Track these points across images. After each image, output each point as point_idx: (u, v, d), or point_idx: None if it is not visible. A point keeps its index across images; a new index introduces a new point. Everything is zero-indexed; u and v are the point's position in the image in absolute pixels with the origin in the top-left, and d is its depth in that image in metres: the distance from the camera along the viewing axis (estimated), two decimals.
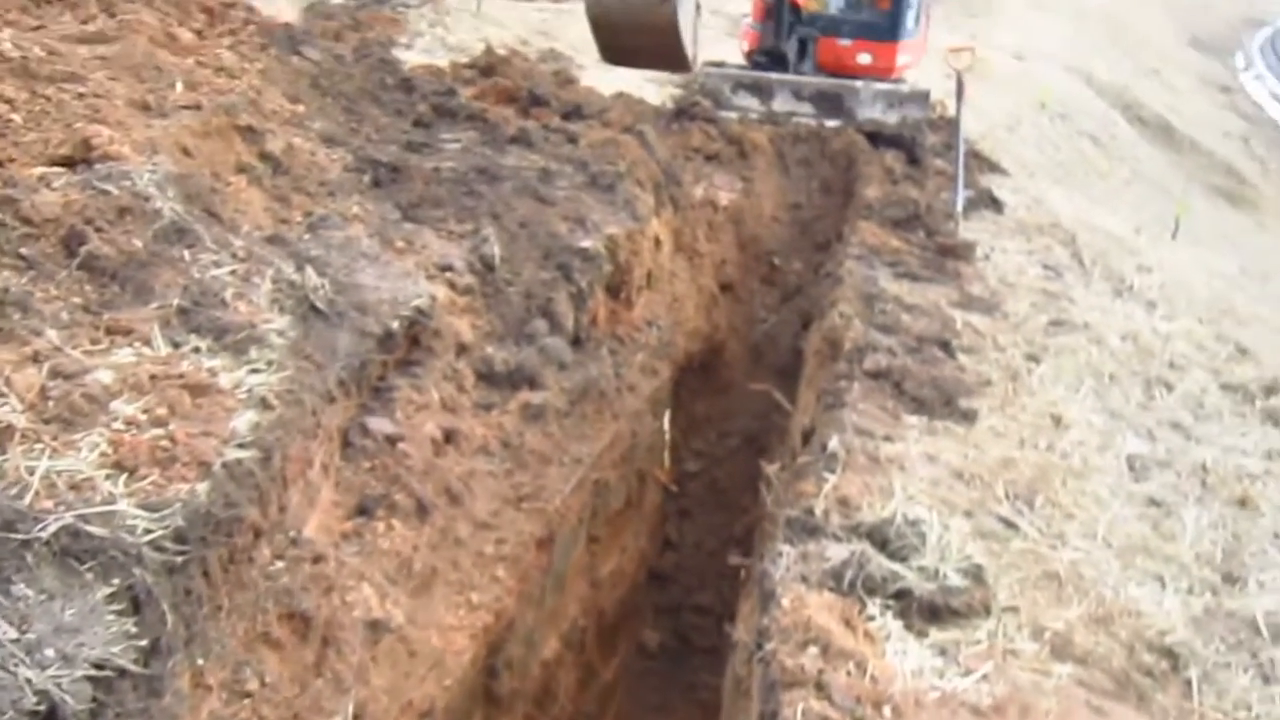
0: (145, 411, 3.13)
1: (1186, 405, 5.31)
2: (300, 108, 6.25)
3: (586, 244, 6.20)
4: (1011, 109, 18.57)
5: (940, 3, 43.93)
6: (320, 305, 4.17)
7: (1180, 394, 5.41)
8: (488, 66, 8.64)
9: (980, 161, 11.08)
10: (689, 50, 6.30)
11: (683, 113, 9.31)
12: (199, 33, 6.61)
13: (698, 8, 6.37)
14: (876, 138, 9.55)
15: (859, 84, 9.99)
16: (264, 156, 5.22)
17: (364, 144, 6.25)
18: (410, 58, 8.97)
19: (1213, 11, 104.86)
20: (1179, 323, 6.89)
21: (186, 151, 4.72)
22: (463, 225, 5.80)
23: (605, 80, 9.76)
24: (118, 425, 3.03)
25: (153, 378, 3.31)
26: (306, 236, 4.71)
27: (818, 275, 7.71)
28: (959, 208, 7.40)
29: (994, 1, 44.86)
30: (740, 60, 11.11)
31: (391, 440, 4.45)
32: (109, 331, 3.49)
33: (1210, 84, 56.01)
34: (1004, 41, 32.35)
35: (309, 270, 4.19)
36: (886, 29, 10.57)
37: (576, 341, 5.99)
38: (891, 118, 9.82)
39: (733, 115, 9.58)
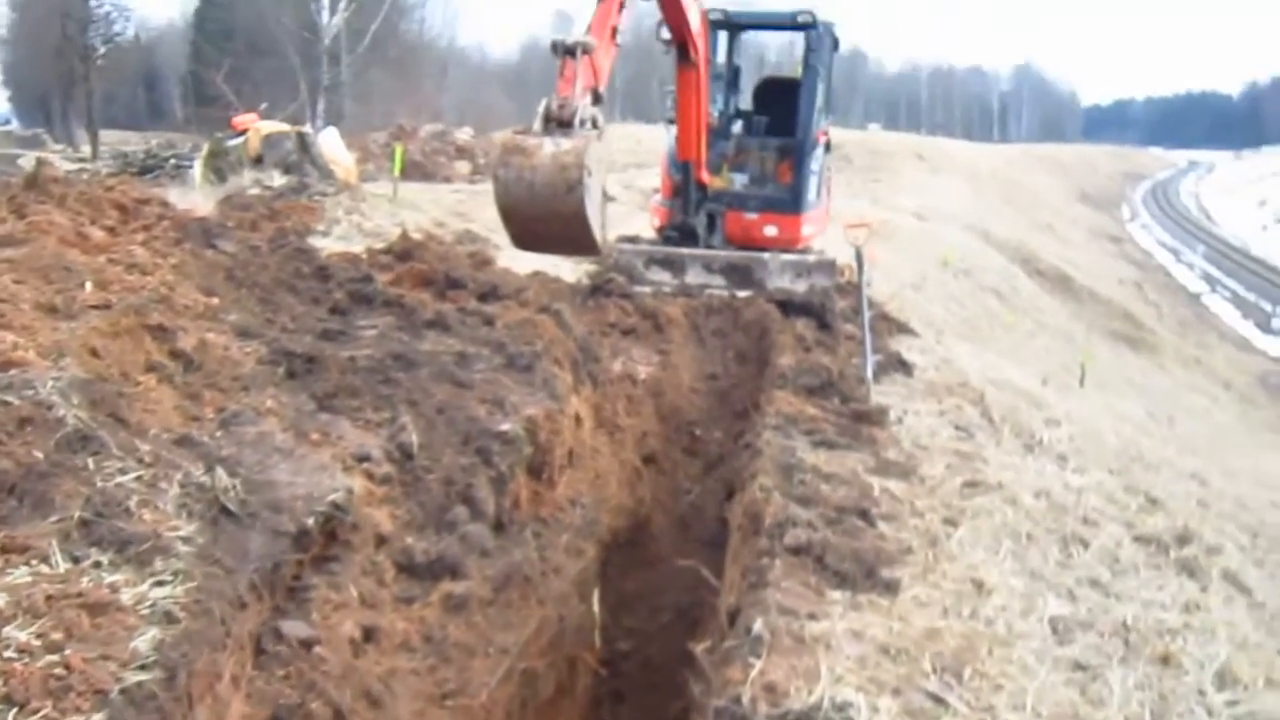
0: (40, 636, 3.00)
1: (1103, 561, 5.39)
2: (214, 301, 6.26)
3: (506, 426, 6.19)
4: (917, 268, 19.39)
5: (845, 170, 46.46)
6: (231, 507, 4.08)
7: (1096, 549, 5.50)
8: (404, 251, 8.78)
9: (889, 323, 11.46)
10: (597, 235, 6.49)
11: (598, 289, 9.53)
12: (111, 230, 6.65)
13: (604, 192, 6.58)
14: (788, 306, 9.86)
15: (767, 255, 10.37)
16: (175, 354, 5.18)
17: (279, 335, 6.24)
18: (327, 245, 9.10)
19: (1098, 169, 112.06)
20: (1090, 475, 7.06)
21: (94, 353, 4.67)
22: (380, 414, 5.76)
23: (522, 260, 9.97)
24: (9, 654, 2.89)
25: (49, 598, 3.18)
26: (218, 434, 4.64)
27: (738, 444, 7.78)
28: (869, 373, 7.61)
29: (895, 166, 47.50)
30: (653, 235, 11.48)
31: (307, 644, 4.28)
32: (4, 550, 3.36)
33: (1101, 235, 59.30)
34: (906, 204, 34.10)
35: (219, 471, 4.12)
36: (790, 202, 11.06)
37: (499, 527, 5.91)
38: (800, 286, 10.17)
39: (647, 290, 9.83)
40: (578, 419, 7.37)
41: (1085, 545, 5.52)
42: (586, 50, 6.55)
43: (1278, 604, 5.91)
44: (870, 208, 28.53)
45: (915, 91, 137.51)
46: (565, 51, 6.53)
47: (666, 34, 9.54)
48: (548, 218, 6.28)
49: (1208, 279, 49.89)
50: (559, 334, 7.65)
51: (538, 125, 6.38)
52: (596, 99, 6.73)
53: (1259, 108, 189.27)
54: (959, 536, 5.27)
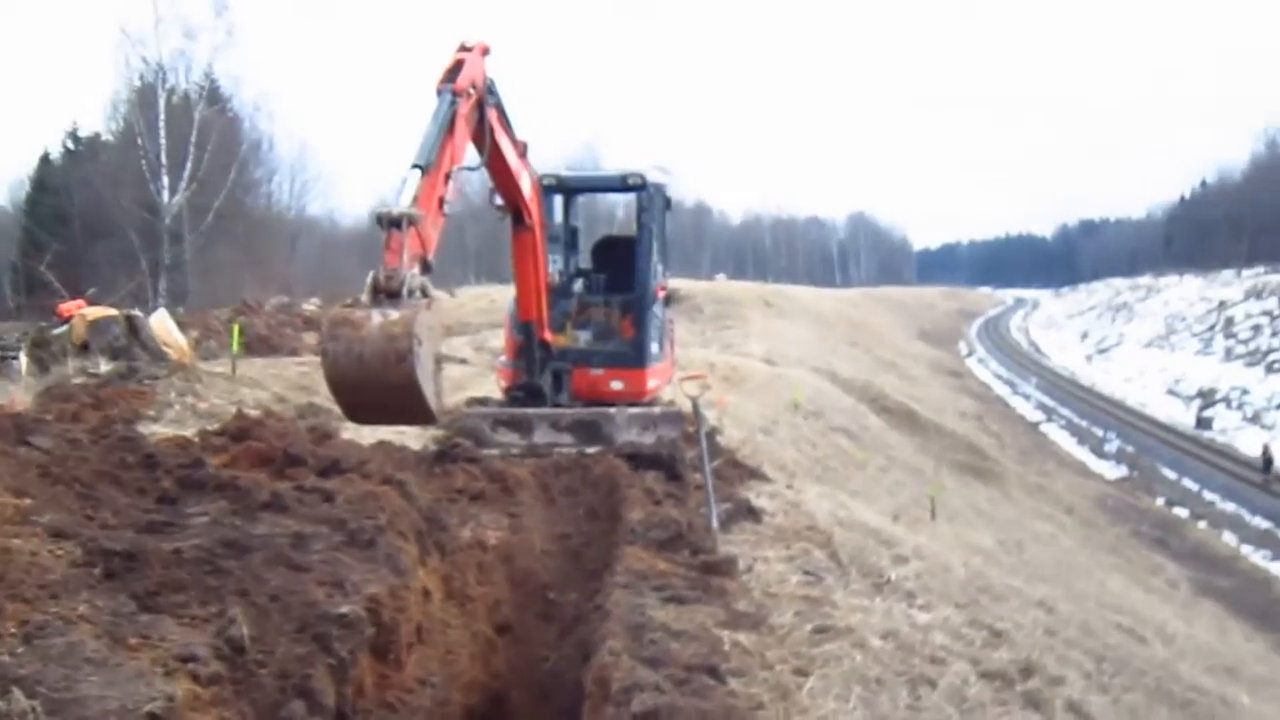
0: None
1: (951, 700, 5.44)
2: (26, 501, 5.91)
3: (346, 609, 5.94)
4: (768, 412, 19.81)
5: (697, 319, 47.41)
6: None
7: (944, 689, 5.55)
8: (239, 431, 8.53)
9: (740, 469, 11.63)
10: (432, 403, 6.43)
11: (444, 455, 9.41)
12: None
13: (437, 360, 6.57)
14: (637, 459, 9.91)
15: (613, 410, 10.47)
16: None
17: (98, 533, 5.90)
18: (157, 430, 8.75)
19: (934, 308, 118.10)
20: (937, 612, 7.19)
21: None
22: (207, 608, 5.46)
23: (366, 431, 9.81)
24: None
25: None
26: (19, 651, 4.30)
27: (593, 605, 7.65)
28: (715, 524, 7.66)
29: (744, 313, 49.06)
30: (501, 397, 11.47)
31: None
32: None
33: (942, 370, 62.09)
34: (755, 349, 35.11)
35: (16, 693, 3.80)
36: (634, 356, 11.25)
37: (341, 718, 5.61)
38: (648, 439, 10.26)
39: (495, 452, 9.76)
40: (425, 592, 7.14)
41: (933, 686, 5.57)
42: (412, 221, 6.63)
43: None
44: (721, 355, 29.28)
45: (759, 240, 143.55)
46: (390, 224, 6.59)
47: (500, 200, 9.77)
48: (379, 389, 6.21)
49: (1043, 408, 52.63)
50: (403, 505, 7.47)
51: (365, 297, 6.38)
52: (425, 268, 6.79)
53: (1071, 248, 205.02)
54: (809, 687, 5.25)
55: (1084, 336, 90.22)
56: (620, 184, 12.26)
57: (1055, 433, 46.20)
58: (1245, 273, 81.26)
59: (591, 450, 10.01)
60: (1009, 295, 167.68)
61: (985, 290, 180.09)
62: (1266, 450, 35.94)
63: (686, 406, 11.47)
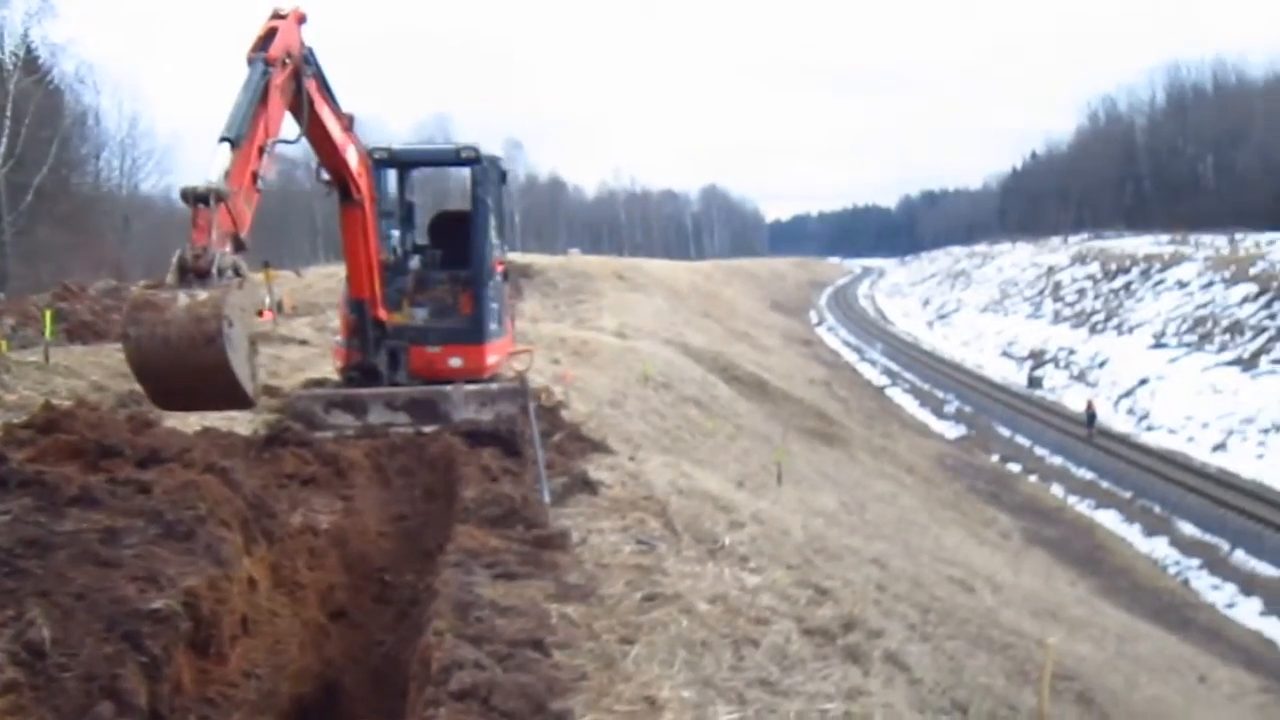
0: None
1: (773, 659, 5.59)
2: None
3: (159, 604, 5.71)
4: (617, 385, 19.91)
5: (550, 294, 47.17)
6: None
7: (767, 648, 5.70)
8: (46, 423, 8.05)
9: (583, 443, 11.65)
10: (247, 386, 6.20)
11: (274, 439, 9.12)
12: None
13: (252, 341, 6.33)
14: (476, 436, 9.80)
15: (450, 387, 10.33)
16: None
17: None
18: None
19: (786, 278, 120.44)
20: (767, 574, 7.37)
21: None
22: (3, 612, 5.16)
23: (194, 418, 9.41)
24: None
25: None
26: None
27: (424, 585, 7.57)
28: (546, 498, 7.67)
29: (597, 287, 49.13)
30: (338, 378, 11.19)
31: None
32: None
33: (794, 339, 63.60)
34: (608, 323, 35.25)
35: None
36: (472, 333, 11.13)
37: (155, 717, 5.39)
38: (486, 415, 10.17)
39: (329, 435, 9.51)
40: (251, 582, 6.91)
41: (756, 645, 5.71)
42: (221, 197, 6.36)
43: (935, 677, 6.33)
44: (574, 330, 29.28)
45: (614, 215, 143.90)
46: (197, 199, 6.31)
47: (326, 174, 9.49)
48: (189, 373, 5.95)
49: (889, 373, 54.59)
50: (225, 493, 7.20)
51: (171, 277, 6.10)
52: (239, 246, 6.53)
53: (913, 219, 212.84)
54: (635, 654, 5.31)
55: (926, 303, 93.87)
56: (454, 158, 12.07)
57: (900, 396, 48.00)
58: (1071, 239, 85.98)
59: (428, 429, 9.86)
60: (857, 265, 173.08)
61: (834, 260, 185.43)
62: (1090, 406, 38.25)
63: (538, 380, 11.46)
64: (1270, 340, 39.77)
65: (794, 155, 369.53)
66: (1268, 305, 42.87)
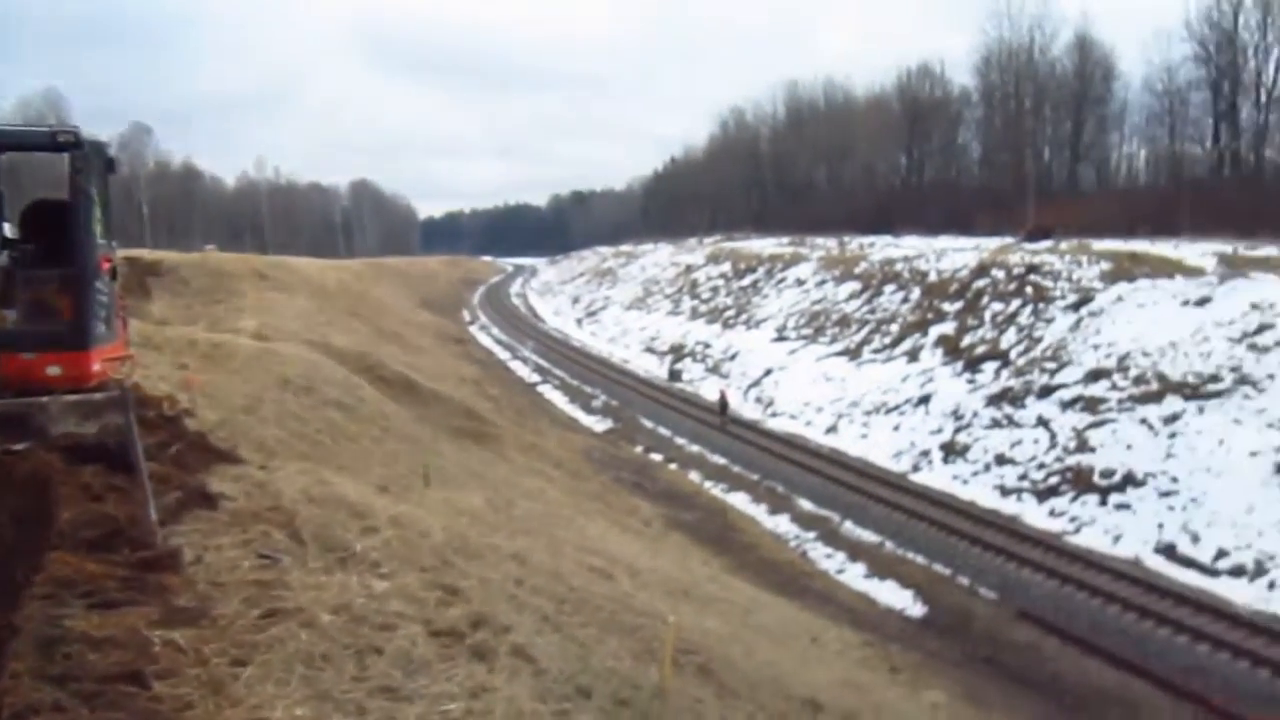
0: None
1: (398, 664, 5.52)
2: None
3: None
4: (253, 390, 18.88)
5: (183, 294, 43.82)
6: None
7: (391, 654, 5.61)
8: None
9: (208, 453, 10.93)
10: None
11: None
12: None
13: None
14: (78, 452, 8.88)
15: (46, 399, 9.30)
16: None
17: None
18: None
19: (438, 276, 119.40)
20: (398, 579, 7.25)
21: None
22: None
23: None
24: None
25: None
26: None
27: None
28: (153, 516, 7.12)
29: (236, 286, 46.41)
30: None
31: None
32: None
33: (445, 338, 63.29)
34: (247, 324, 33.40)
35: None
36: (74, 338, 10.05)
37: None
38: (90, 428, 9.23)
39: None
40: None
41: (380, 653, 5.61)
42: None
43: (561, 666, 6.50)
44: (207, 332, 27.47)
45: (257, 209, 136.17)
46: None
47: None
48: None
49: (540, 370, 55.66)
50: None
51: None
52: None
53: (564, 218, 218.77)
54: (247, 676, 5.06)
55: (575, 301, 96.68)
56: (49, 141, 10.82)
57: (550, 393, 49.05)
58: (706, 240, 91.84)
59: (18, 447, 8.80)
60: (509, 264, 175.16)
61: (487, 259, 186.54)
62: (722, 396, 41.09)
63: (162, 387, 10.55)
64: (871, 332, 44.57)
65: (448, 153, 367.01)
66: (869, 301, 48.03)
